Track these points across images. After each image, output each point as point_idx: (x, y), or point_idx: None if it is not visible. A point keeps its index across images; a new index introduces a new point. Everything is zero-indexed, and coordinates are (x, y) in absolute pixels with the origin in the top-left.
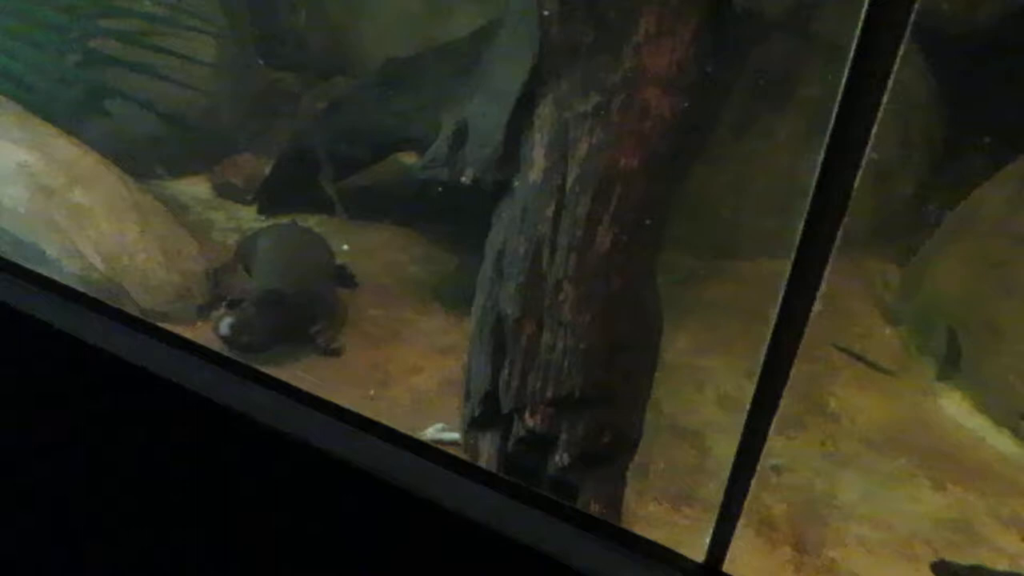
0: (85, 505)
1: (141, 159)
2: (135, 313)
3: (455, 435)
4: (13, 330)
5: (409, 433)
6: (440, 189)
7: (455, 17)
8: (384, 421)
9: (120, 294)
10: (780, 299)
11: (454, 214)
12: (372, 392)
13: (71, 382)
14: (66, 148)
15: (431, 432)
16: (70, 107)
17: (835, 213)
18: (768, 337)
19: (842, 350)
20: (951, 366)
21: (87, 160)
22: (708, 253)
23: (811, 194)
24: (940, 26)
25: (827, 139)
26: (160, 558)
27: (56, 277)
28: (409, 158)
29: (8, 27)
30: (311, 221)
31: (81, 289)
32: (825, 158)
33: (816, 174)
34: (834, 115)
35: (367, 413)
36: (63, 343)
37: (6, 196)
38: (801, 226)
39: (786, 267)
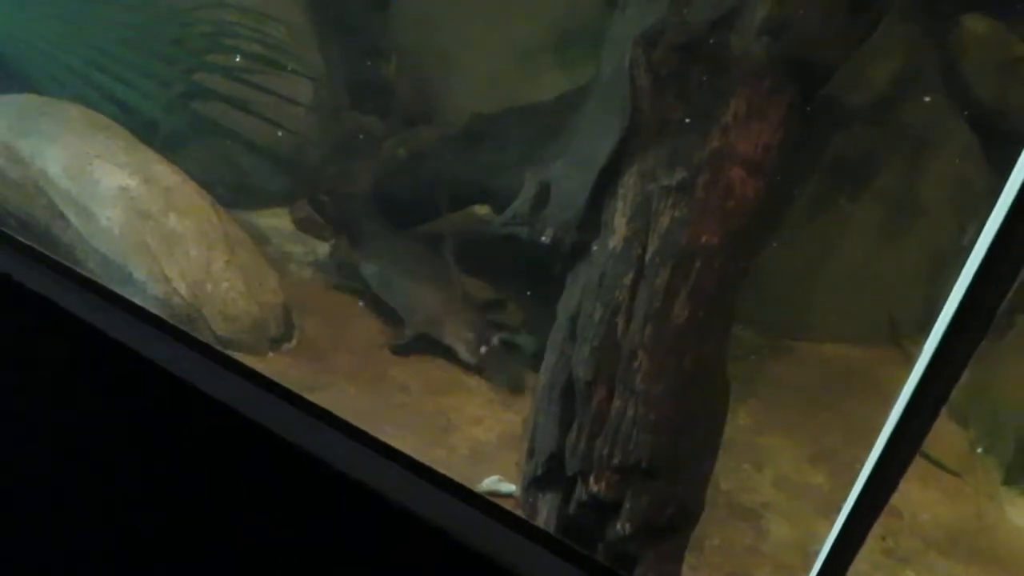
0: (146, 526)
1: (232, 189)
2: (210, 340)
3: (511, 487)
4: (89, 346)
5: (466, 484)
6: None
7: (542, 80)
8: (442, 470)
9: (197, 320)
10: (900, 414)
11: (525, 270)
12: None
13: (138, 402)
14: (166, 175)
15: (487, 483)
16: (171, 135)
17: (974, 338)
18: (878, 447)
19: None
20: (1018, 471)
21: (185, 188)
22: (772, 331)
23: (951, 314)
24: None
25: (981, 263)
26: None
27: (139, 299)
28: (482, 210)
29: (122, 56)
30: None
31: (160, 313)
32: (976, 281)
33: (961, 299)
34: (995, 233)
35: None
36: (134, 363)
37: (104, 217)
38: (935, 344)
39: (850, 352)
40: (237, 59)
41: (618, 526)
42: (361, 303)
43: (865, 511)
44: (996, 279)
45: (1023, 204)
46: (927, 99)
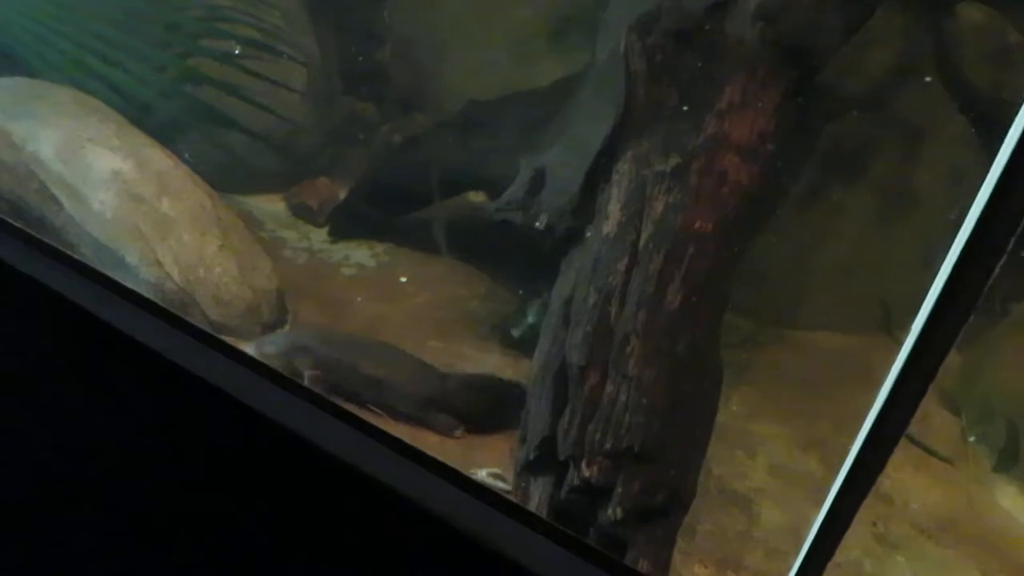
0: (138, 508)
1: (225, 174)
2: (202, 325)
3: (506, 487)
4: (81, 330)
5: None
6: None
7: (537, 67)
8: (435, 455)
9: (190, 305)
10: (885, 397)
11: (519, 256)
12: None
13: (130, 386)
14: (159, 159)
15: (480, 477)
16: (164, 120)
17: (958, 321)
18: (865, 428)
19: None
20: (1009, 458)
21: (177, 172)
22: (766, 320)
23: (935, 298)
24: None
25: (960, 252)
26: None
27: (131, 283)
28: (477, 196)
29: (116, 40)
30: (378, 248)
31: (153, 297)
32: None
33: (944, 282)
34: (974, 221)
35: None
36: (127, 348)
37: (97, 201)
38: (920, 327)
39: (843, 341)
40: (237, 51)
41: (610, 511)
42: None
43: (851, 495)
44: (978, 263)
45: (1005, 188)
46: (923, 85)
